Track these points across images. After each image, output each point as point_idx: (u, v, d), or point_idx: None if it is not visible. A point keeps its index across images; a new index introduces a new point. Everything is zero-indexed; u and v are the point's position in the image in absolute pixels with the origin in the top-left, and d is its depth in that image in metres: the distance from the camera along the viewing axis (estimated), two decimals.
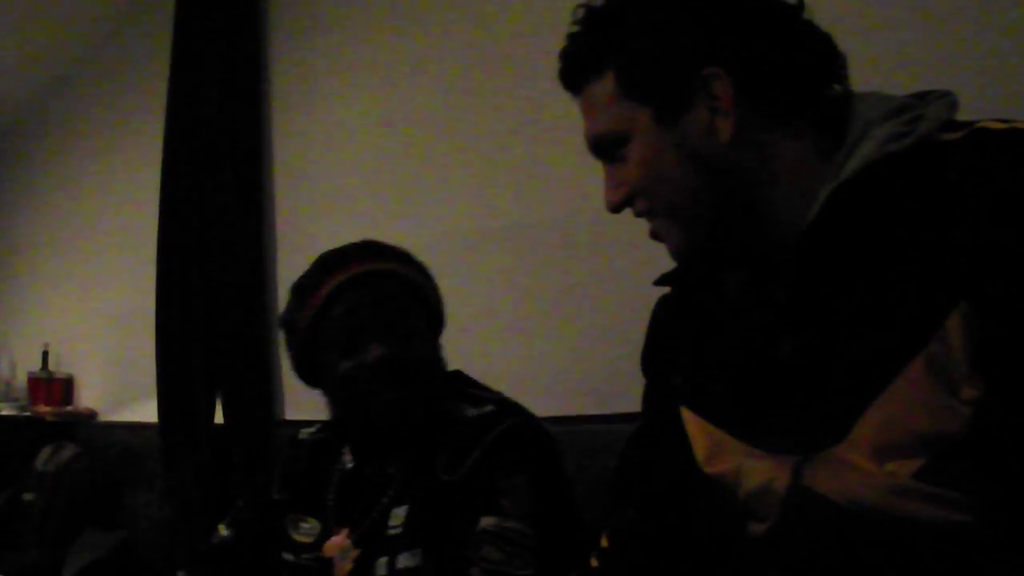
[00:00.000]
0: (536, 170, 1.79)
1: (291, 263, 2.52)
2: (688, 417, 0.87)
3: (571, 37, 0.84)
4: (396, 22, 2.20)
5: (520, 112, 1.83)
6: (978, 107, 0.79)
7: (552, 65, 0.86)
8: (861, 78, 0.81)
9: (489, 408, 1.16)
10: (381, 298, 1.16)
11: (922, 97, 0.75)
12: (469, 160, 1.95)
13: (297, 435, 1.35)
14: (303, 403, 1.87)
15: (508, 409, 1.17)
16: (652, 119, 0.78)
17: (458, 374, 1.28)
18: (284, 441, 1.36)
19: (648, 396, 0.98)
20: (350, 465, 1.24)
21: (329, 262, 1.21)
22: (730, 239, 0.80)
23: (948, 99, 0.74)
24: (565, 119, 1.74)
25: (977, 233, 0.64)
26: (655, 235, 0.84)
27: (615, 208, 0.84)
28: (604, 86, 0.81)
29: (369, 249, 1.24)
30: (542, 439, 1.16)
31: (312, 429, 1.34)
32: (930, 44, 1.23)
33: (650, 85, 0.79)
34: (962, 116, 0.74)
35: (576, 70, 0.84)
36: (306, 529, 1.24)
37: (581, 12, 0.83)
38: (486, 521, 1.07)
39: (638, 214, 0.84)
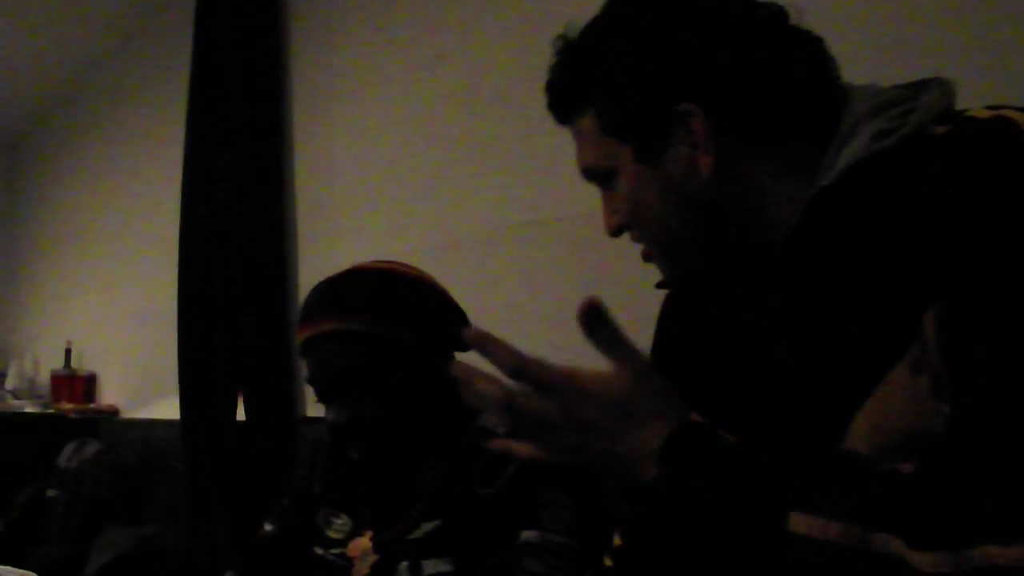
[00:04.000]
0: (558, 166, 1.78)
1: (313, 260, 2.53)
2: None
3: (552, 71, 0.83)
4: (417, 20, 2.20)
5: (540, 108, 1.82)
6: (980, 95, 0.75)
7: None
8: (856, 71, 0.78)
9: None
10: (327, 364, 1.15)
11: (919, 86, 0.72)
12: (490, 157, 1.95)
13: None
14: None
15: None
16: (633, 157, 0.77)
17: None
18: (325, 433, 1.35)
19: None
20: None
21: (302, 309, 1.19)
22: (719, 262, 0.79)
23: (943, 88, 0.70)
24: None
25: (950, 232, 0.61)
26: (647, 257, 0.83)
27: (613, 233, 0.83)
28: (587, 122, 0.80)
29: (332, 296, 1.17)
30: None
31: None
32: (929, 32, 1.21)
33: (628, 123, 0.77)
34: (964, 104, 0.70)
35: (560, 105, 0.83)
36: (338, 525, 1.25)
37: (560, 43, 0.82)
38: (528, 534, 1.07)
39: (634, 240, 0.83)
